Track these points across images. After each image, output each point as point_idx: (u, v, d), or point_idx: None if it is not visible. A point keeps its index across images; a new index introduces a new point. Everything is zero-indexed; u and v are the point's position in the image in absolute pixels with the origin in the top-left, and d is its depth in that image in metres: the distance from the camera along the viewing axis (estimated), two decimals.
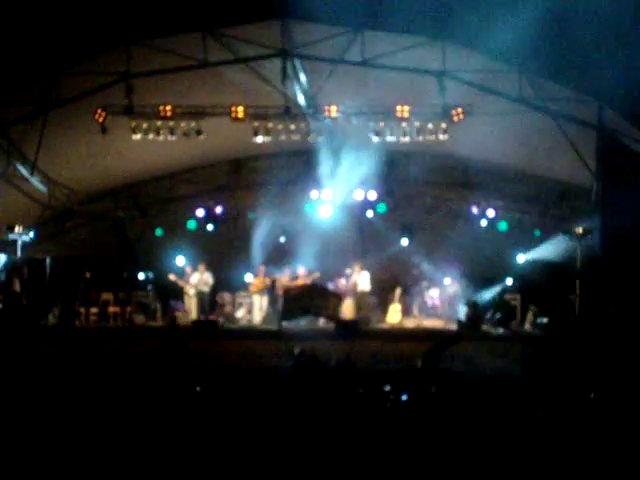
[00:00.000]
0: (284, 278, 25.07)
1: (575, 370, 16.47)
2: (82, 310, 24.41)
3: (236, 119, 21.33)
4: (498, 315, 23.25)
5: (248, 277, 26.10)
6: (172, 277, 25.25)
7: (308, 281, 25.05)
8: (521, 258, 26.42)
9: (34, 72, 19.16)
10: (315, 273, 25.15)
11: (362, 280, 24.82)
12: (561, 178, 24.40)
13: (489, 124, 21.16)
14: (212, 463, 5.04)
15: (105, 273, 26.65)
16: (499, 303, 23.88)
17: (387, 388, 11.68)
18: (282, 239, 27.53)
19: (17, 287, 23.55)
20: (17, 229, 24.18)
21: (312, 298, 24.46)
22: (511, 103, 19.69)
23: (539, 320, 22.51)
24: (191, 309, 25.22)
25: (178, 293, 25.70)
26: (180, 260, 27.02)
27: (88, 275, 24.86)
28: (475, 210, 26.96)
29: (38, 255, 24.95)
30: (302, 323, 24.12)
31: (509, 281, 25.35)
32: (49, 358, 19.16)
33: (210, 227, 27.78)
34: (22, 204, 24.29)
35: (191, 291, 25.18)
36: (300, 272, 25.16)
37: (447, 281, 26.02)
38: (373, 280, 25.06)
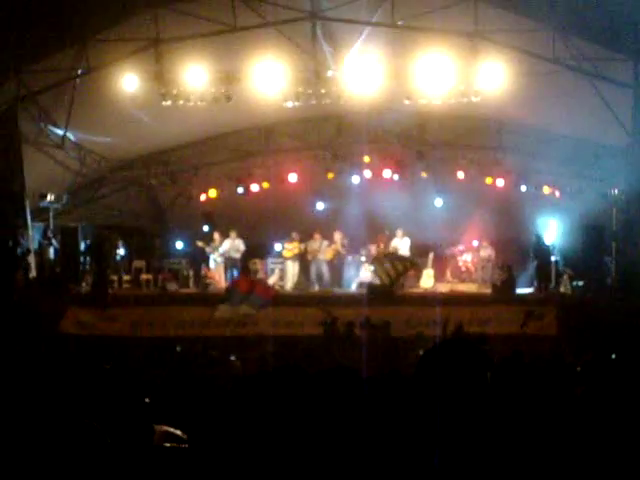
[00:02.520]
0: (315, 244, 24.94)
1: (610, 330, 16.33)
2: (115, 277, 24.42)
3: (266, 85, 21.16)
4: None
5: (280, 244, 26.02)
6: (199, 243, 25.12)
7: (340, 248, 24.81)
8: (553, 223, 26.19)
9: (63, 39, 19.10)
10: (342, 241, 24.89)
11: (403, 246, 24.66)
12: (596, 138, 24.04)
13: (522, 85, 20.85)
14: (246, 431, 4.90)
15: (137, 241, 26.71)
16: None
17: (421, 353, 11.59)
18: (316, 205, 27.46)
19: (50, 255, 23.63)
20: (49, 197, 24.23)
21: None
22: (545, 63, 19.40)
23: (574, 283, 22.27)
24: (219, 275, 25.08)
25: (208, 260, 25.61)
26: (209, 227, 26.98)
27: (120, 243, 24.86)
28: (509, 172, 26.65)
29: (70, 223, 25.02)
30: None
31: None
32: (83, 326, 19.28)
33: (241, 193, 27.67)
34: (54, 172, 24.31)
35: (218, 258, 25.03)
36: (336, 238, 24.93)
37: (480, 245, 25.82)
38: None
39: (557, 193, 26.49)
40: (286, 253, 25.05)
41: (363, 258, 25.27)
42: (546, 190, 26.50)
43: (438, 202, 27.09)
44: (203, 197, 28.04)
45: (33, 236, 22.59)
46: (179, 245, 27.53)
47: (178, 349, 16.73)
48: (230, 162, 27.63)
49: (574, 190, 25.91)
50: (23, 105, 21.15)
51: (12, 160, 21.16)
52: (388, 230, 25.31)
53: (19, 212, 21.53)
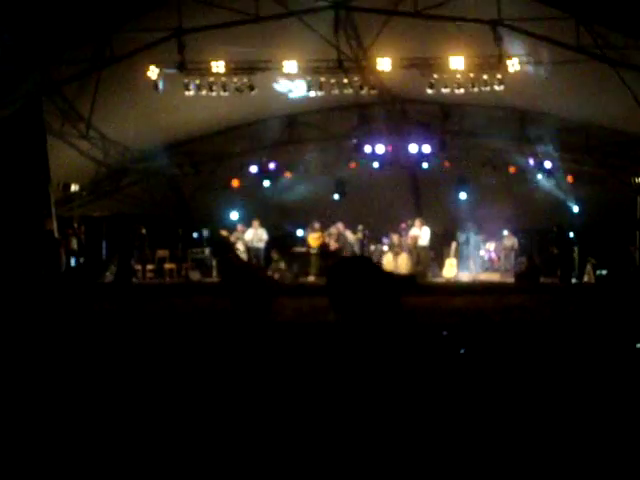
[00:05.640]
0: (333, 234, 24.97)
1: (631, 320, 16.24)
2: (138, 267, 24.49)
3: (288, 74, 21.19)
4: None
5: (301, 230, 26.15)
6: (224, 233, 25.17)
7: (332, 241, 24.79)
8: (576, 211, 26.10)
9: (87, 30, 19.16)
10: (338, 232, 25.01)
11: (423, 235, 24.65)
12: (619, 127, 23.92)
13: (546, 74, 20.75)
14: (270, 418, 4.95)
15: (160, 230, 26.76)
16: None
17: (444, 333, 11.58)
18: (335, 196, 27.49)
19: (74, 245, 23.72)
20: (73, 187, 24.34)
21: None
22: (568, 52, 19.31)
23: (598, 272, 22.17)
24: None
25: (231, 249, 25.64)
26: (233, 216, 27.08)
27: (144, 232, 24.91)
28: (532, 162, 26.55)
29: (94, 213, 25.11)
30: None
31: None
32: (108, 315, 19.31)
33: (266, 183, 27.73)
34: (77, 162, 24.43)
35: (241, 247, 25.08)
36: (340, 228, 25.04)
37: (503, 234, 25.78)
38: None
39: (581, 182, 26.36)
40: (312, 242, 25.04)
41: (385, 247, 25.31)
42: (569, 179, 26.39)
43: (461, 192, 27.05)
44: (226, 187, 28.11)
45: (57, 227, 22.66)
46: (202, 234, 27.63)
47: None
48: (253, 152, 27.65)
49: (598, 179, 25.81)
50: (48, 96, 21.25)
51: (37, 151, 21.23)
52: (421, 220, 25.30)
53: (43, 203, 21.58)
